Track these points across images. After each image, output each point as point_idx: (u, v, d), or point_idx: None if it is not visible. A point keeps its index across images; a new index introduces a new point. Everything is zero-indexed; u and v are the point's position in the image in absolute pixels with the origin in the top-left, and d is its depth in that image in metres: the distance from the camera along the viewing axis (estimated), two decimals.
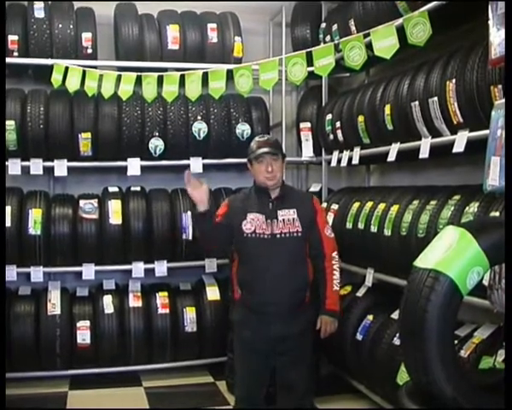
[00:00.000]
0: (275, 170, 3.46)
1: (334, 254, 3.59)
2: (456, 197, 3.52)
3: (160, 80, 4.90)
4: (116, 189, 5.27)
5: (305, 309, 3.54)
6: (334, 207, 4.93)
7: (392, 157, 4.16)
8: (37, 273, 4.95)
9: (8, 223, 4.79)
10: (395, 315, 4.08)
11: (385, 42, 3.96)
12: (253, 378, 3.54)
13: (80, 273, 5.07)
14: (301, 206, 3.51)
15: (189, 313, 5.14)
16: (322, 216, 3.64)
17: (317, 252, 3.55)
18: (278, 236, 3.42)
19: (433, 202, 3.70)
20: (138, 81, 4.90)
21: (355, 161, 4.72)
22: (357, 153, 4.70)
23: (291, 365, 3.49)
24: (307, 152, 5.59)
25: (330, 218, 4.89)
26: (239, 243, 3.49)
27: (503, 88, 2.95)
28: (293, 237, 3.44)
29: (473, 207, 3.30)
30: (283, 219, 3.43)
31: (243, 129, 5.32)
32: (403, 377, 3.65)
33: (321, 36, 5.38)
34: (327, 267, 3.54)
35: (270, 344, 3.45)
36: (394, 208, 4.07)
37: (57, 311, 4.93)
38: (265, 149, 3.46)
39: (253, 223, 3.43)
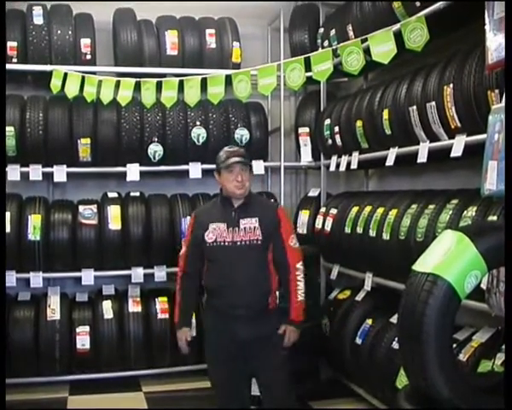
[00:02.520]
0: (244, 179, 3.52)
1: (299, 264, 3.61)
2: (455, 201, 3.53)
3: (159, 86, 4.90)
4: (115, 194, 5.28)
5: (270, 315, 3.58)
6: (333, 211, 4.94)
7: (390, 162, 4.17)
8: (36, 279, 4.95)
9: (7, 229, 4.79)
10: (394, 319, 4.08)
11: (383, 47, 3.96)
12: (228, 384, 3.58)
13: (80, 279, 5.08)
14: (264, 215, 3.56)
15: None
16: (286, 226, 3.66)
17: (280, 262, 3.59)
18: (239, 243, 3.49)
19: (431, 207, 3.71)
20: (137, 87, 4.91)
21: (353, 165, 4.73)
22: (355, 157, 4.71)
23: (265, 368, 3.53)
24: (306, 157, 5.60)
25: (329, 222, 4.91)
26: (204, 252, 3.58)
27: (500, 92, 2.96)
28: (253, 245, 3.50)
29: (471, 212, 3.31)
30: (244, 228, 3.50)
31: (242, 134, 5.34)
32: (402, 380, 3.65)
33: (319, 41, 5.39)
34: (291, 280, 3.58)
35: (235, 348, 3.51)
36: (393, 213, 4.08)
37: (57, 316, 4.94)
38: (236, 159, 3.53)
39: (214, 232, 3.51)
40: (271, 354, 3.53)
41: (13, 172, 4.94)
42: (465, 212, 3.36)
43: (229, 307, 3.48)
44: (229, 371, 3.55)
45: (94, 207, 5.11)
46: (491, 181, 2.46)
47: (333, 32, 5.05)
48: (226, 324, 3.50)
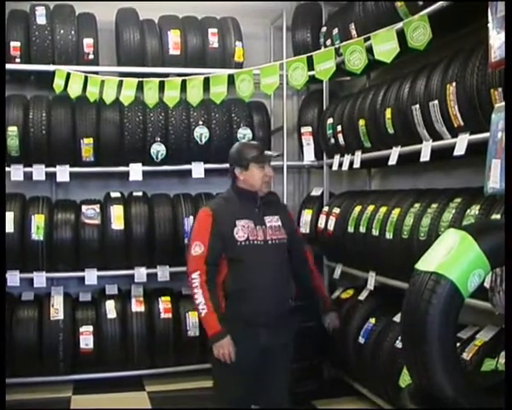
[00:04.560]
0: (273, 175, 3.47)
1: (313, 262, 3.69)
2: (458, 200, 3.53)
3: (162, 85, 4.91)
4: (118, 194, 5.28)
5: (289, 319, 3.43)
6: (336, 210, 4.93)
7: (393, 161, 4.17)
8: (39, 279, 4.96)
9: (10, 229, 4.80)
10: (397, 318, 4.08)
11: (385, 46, 3.96)
12: (242, 393, 3.31)
13: (83, 278, 5.08)
14: (282, 214, 3.49)
15: (192, 318, 5.13)
16: (297, 226, 3.73)
17: (301, 262, 3.58)
18: (270, 242, 3.33)
19: (434, 205, 3.70)
20: (140, 86, 4.91)
21: (356, 164, 4.73)
22: (358, 157, 4.71)
23: (274, 376, 3.34)
24: (308, 156, 5.60)
25: (332, 221, 4.90)
26: (232, 251, 3.29)
27: (504, 91, 2.96)
28: (281, 244, 3.38)
29: (474, 210, 3.31)
30: (271, 226, 3.37)
31: (245, 133, 5.34)
32: (405, 379, 3.65)
33: (321, 40, 5.39)
34: (315, 277, 3.65)
35: (256, 356, 3.29)
36: (396, 212, 4.07)
37: (60, 316, 4.95)
38: (270, 153, 3.46)
39: (244, 230, 3.28)
40: (283, 359, 3.37)
41: (16, 172, 4.95)
42: (468, 211, 3.36)
43: (258, 313, 3.25)
44: (247, 379, 3.30)
45: (97, 207, 5.11)
46: (495, 179, 2.46)
47: (335, 30, 5.05)
48: (250, 332, 3.25)
